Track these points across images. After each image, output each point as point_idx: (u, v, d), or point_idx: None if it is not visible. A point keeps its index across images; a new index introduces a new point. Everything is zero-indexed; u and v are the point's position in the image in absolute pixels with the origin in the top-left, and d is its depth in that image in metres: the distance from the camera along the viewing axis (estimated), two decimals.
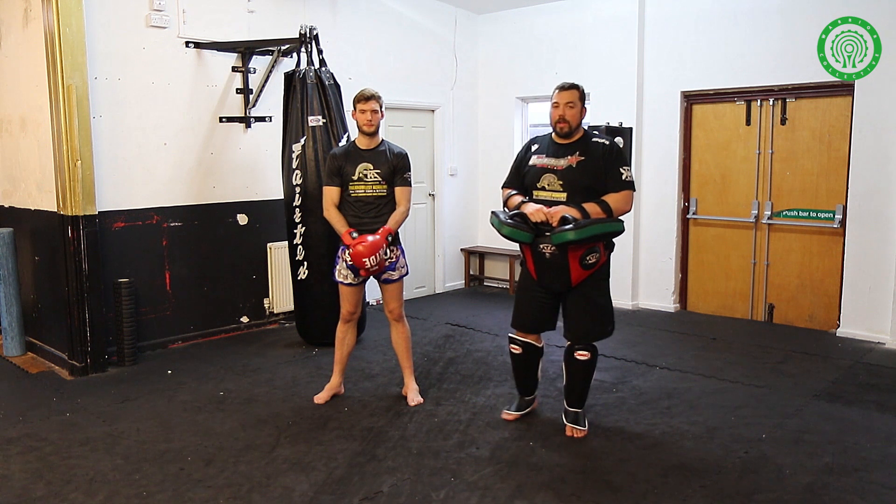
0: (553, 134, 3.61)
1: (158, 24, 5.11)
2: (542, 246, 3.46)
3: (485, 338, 5.59)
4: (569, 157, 3.51)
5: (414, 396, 4.15)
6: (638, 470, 3.29)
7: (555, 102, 3.54)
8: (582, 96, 3.56)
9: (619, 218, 3.45)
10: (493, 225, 3.58)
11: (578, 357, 3.60)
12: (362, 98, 3.96)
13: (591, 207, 3.40)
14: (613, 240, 3.54)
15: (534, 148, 3.67)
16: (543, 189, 3.54)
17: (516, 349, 3.81)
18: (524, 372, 3.88)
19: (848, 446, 3.52)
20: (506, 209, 3.67)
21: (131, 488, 3.12)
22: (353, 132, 4.25)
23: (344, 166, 3.97)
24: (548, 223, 3.39)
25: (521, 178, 3.67)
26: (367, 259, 3.79)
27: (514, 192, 3.68)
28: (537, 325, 3.74)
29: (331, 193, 4.01)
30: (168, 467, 3.32)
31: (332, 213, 4.00)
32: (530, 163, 3.62)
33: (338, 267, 4.07)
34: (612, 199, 3.44)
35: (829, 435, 3.67)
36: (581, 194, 3.45)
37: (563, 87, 3.55)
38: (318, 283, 5.13)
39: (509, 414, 3.91)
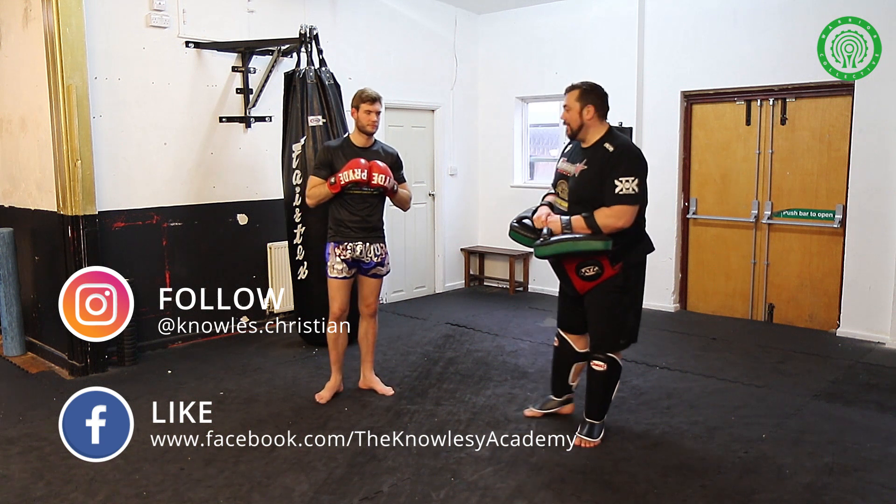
0: None
1: (158, 24, 5.11)
2: None
3: (485, 338, 5.59)
4: (578, 163, 3.41)
5: (383, 387, 4.24)
6: (638, 470, 3.29)
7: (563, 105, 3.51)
8: (582, 95, 3.39)
9: (602, 236, 3.24)
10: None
11: (594, 367, 3.53)
12: (369, 99, 3.98)
13: (577, 221, 3.30)
14: (635, 253, 3.42)
15: (565, 150, 3.60)
16: (559, 195, 3.50)
17: (555, 341, 3.82)
18: (555, 367, 3.86)
19: (848, 446, 3.52)
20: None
21: (131, 488, 3.13)
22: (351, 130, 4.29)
23: (336, 161, 3.99)
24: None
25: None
26: (378, 172, 3.90)
27: (550, 191, 3.63)
28: (566, 323, 3.73)
29: (315, 183, 4.03)
30: (168, 467, 3.32)
31: (315, 191, 4.02)
32: (557, 165, 3.60)
33: (330, 263, 4.07)
34: (600, 213, 3.27)
35: (829, 435, 3.67)
36: (581, 206, 3.34)
37: (566, 90, 3.48)
38: (318, 283, 5.12)
39: (532, 411, 3.90)
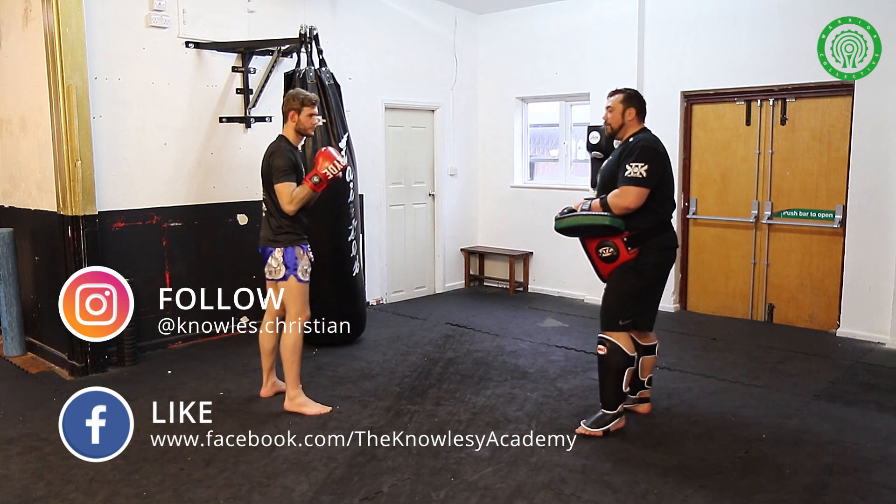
0: None
1: (158, 24, 5.11)
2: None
3: (485, 338, 5.59)
4: (610, 157, 3.76)
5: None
6: (638, 470, 3.29)
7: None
8: (627, 99, 3.73)
9: (611, 213, 3.51)
10: None
11: (598, 350, 3.65)
12: (310, 102, 3.95)
13: (595, 203, 3.62)
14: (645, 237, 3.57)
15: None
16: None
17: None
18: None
19: (848, 446, 3.53)
20: None
21: (131, 488, 3.13)
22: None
23: (297, 163, 3.96)
24: None
25: None
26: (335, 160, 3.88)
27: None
28: None
29: (294, 188, 3.89)
30: (168, 467, 3.32)
31: (300, 195, 3.88)
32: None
33: (302, 266, 3.98)
34: (611, 194, 3.57)
35: (829, 435, 3.67)
36: (604, 191, 3.66)
37: (609, 94, 3.80)
38: (317, 282, 5.12)
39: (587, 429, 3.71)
